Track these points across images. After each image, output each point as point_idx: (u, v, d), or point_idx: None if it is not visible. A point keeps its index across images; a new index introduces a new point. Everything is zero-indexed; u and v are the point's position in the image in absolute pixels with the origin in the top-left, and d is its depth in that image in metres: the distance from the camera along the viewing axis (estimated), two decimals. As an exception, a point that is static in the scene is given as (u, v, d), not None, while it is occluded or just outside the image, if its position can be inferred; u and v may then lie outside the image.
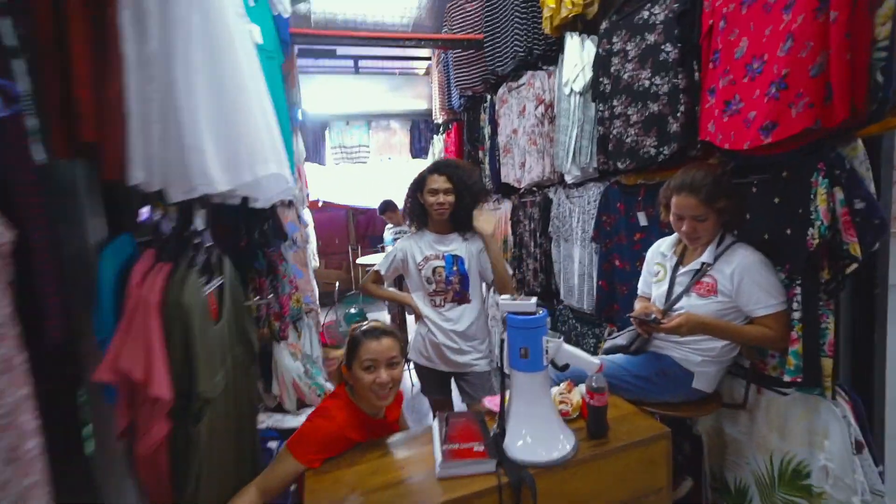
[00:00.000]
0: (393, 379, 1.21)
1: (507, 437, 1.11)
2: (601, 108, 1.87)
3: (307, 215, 4.22)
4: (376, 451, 1.20)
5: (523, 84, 2.58)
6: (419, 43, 2.72)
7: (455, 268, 1.81)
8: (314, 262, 4.26)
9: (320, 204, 6.37)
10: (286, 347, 1.95)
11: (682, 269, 1.43)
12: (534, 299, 1.10)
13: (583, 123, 2.01)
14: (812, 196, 1.12)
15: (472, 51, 3.01)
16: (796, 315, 1.19)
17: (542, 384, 1.10)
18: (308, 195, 3.76)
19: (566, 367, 1.15)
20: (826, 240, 1.09)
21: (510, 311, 1.10)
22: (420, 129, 4.73)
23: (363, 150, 4.55)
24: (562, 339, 1.10)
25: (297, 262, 2.32)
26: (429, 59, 4.31)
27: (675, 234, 1.49)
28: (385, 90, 4.31)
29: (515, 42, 2.48)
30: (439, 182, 1.73)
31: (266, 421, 1.71)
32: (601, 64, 1.86)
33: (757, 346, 1.36)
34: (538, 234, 2.63)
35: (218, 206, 1.51)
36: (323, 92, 4.16)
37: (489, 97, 3.05)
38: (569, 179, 2.21)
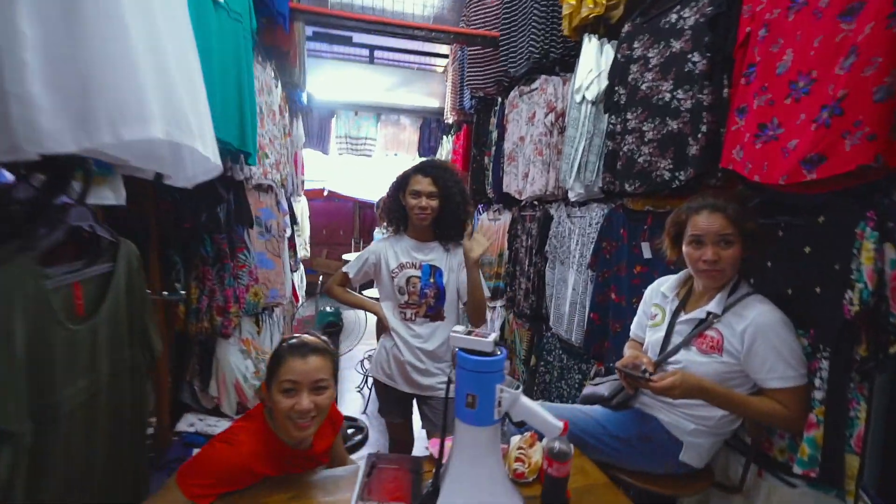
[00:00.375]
0: (317, 406, 1.01)
1: (440, 501, 0.90)
2: (613, 121, 1.66)
3: (303, 203, 4.07)
4: (287, 490, 1.00)
5: (536, 89, 2.37)
6: (429, 34, 2.53)
7: (432, 280, 1.63)
8: (305, 251, 4.10)
9: (325, 193, 6.23)
10: (236, 344, 1.76)
11: (683, 316, 1.21)
12: (493, 336, 0.89)
13: (592, 136, 1.79)
14: (855, 251, 0.90)
15: (487, 49, 2.81)
16: (818, 395, 0.96)
17: (490, 441, 0.89)
18: (303, 182, 3.60)
19: (522, 423, 0.93)
20: (868, 307, 0.86)
21: (461, 347, 0.89)
22: (431, 128, 4.55)
23: (369, 143, 4.38)
24: (520, 389, 0.89)
25: (269, 250, 2.14)
26: (447, 56, 4.13)
27: (681, 274, 1.27)
28: (398, 83, 4.14)
29: (531, 42, 2.28)
30: (423, 184, 1.57)
31: (196, 424, 1.52)
32: (618, 71, 1.64)
33: (764, 423, 1.13)
34: (534, 252, 2.41)
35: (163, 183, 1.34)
36: (334, 78, 4.00)
37: (500, 100, 2.85)
38: (571, 196, 2.00)
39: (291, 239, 3.21)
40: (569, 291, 2.07)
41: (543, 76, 2.29)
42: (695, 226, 1.13)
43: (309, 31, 3.93)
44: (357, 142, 4.36)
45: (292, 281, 2.88)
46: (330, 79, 3.99)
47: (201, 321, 1.42)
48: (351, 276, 1.66)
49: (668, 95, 1.44)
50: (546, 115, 2.24)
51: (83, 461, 0.77)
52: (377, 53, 4.34)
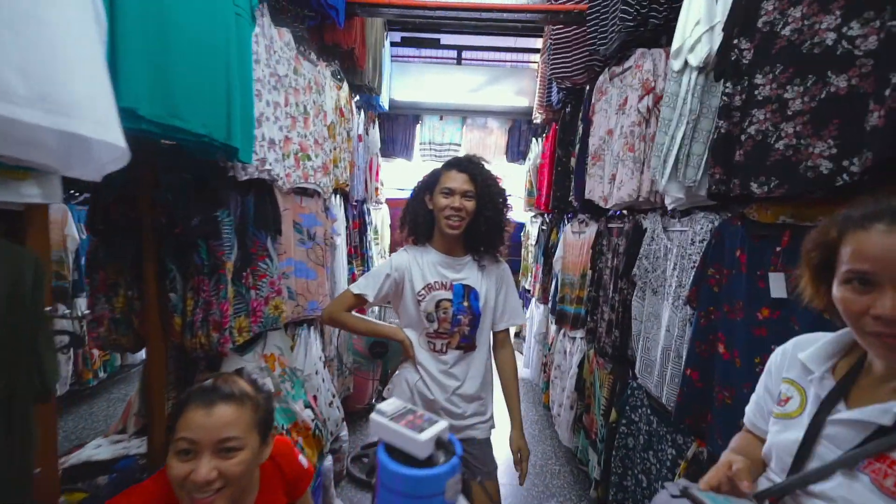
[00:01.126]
0: (222, 475, 0.75)
1: None
2: (729, 91, 1.11)
3: (384, 211, 4.01)
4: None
5: (629, 68, 1.86)
6: (495, 14, 2.18)
7: (466, 303, 1.37)
8: (377, 257, 4.02)
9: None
10: (254, 360, 1.62)
11: (842, 413, 0.66)
12: (435, 429, 0.52)
13: (697, 118, 1.26)
14: None
15: (572, 28, 2.35)
16: None
17: None
18: (377, 188, 3.51)
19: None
20: None
21: (385, 440, 0.54)
22: (521, 131, 4.16)
23: (453, 149, 4.16)
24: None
25: (311, 259, 2.00)
26: (539, 50, 3.71)
27: (840, 334, 0.73)
28: (486, 82, 3.85)
29: (624, 8, 1.78)
30: (458, 181, 1.32)
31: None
32: (741, 14, 1.10)
33: None
34: (619, 276, 1.88)
35: (160, 181, 1.23)
36: (419, 81, 3.88)
37: (588, 89, 2.36)
38: (668, 203, 1.46)
39: (359, 248, 3.12)
40: (661, 332, 1.52)
41: (640, 49, 1.78)
42: (859, 252, 0.60)
43: (396, 36, 3.89)
44: (441, 148, 4.17)
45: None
46: (415, 82, 3.88)
47: (196, 336, 1.28)
48: (370, 297, 1.37)
49: (831, 37, 0.89)
50: (641, 98, 1.72)
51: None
52: (465, 54, 4.12)
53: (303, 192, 1.97)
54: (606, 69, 2.08)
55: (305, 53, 1.90)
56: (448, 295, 1.35)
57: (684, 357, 1.31)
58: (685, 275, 1.38)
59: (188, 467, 0.73)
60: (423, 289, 1.35)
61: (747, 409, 0.86)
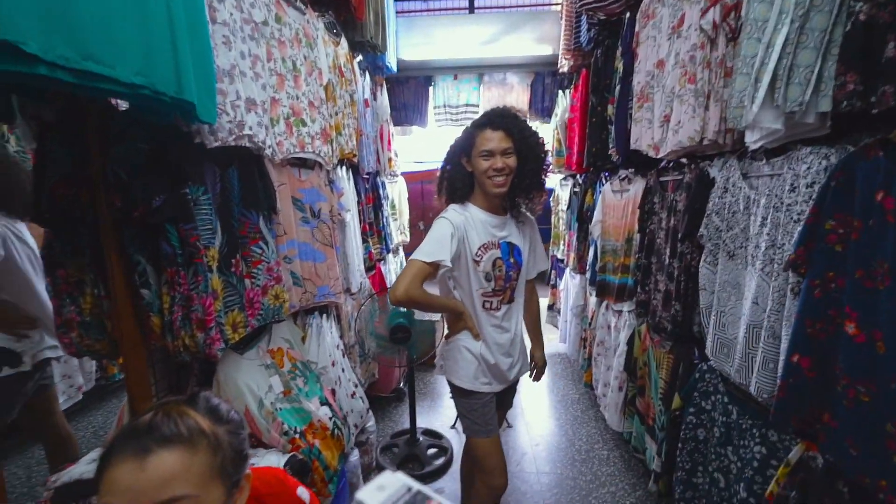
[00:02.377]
0: None
1: None
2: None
3: (400, 184, 3.72)
4: None
5: (687, -24, 1.48)
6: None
7: (512, 259, 1.41)
8: (404, 236, 3.78)
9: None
10: (257, 357, 1.42)
11: None
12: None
13: (806, 13, 0.91)
14: None
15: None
16: None
17: None
18: (391, 159, 3.23)
19: None
20: None
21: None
22: (544, 84, 3.74)
23: (470, 111, 3.80)
24: None
25: (317, 240, 1.77)
26: (563, -14, 3.25)
27: None
28: (503, 30, 3.43)
29: None
30: (495, 140, 1.29)
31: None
32: None
33: None
34: (679, 238, 1.56)
35: (111, 154, 1.00)
36: (428, 37, 3.50)
37: (629, 17, 1.97)
38: (752, 140, 1.12)
39: (375, 224, 2.87)
40: (745, 305, 1.22)
41: (700, -50, 1.40)
42: None
43: (400, -12, 3.50)
44: (457, 111, 3.82)
45: (364, 271, 2.52)
46: (424, 38, 3.50)
47: (178, 337, 1.08)
48: (447, 261, 1.25)
49: None
50: (704, 12, 1.36)
51: None
52: (478, 1, 3.69)
53: (301, 163, 1.72)
54: (654, -14, 1.69)
55: (291, -1, 1.61)
56: (499, 253, 1.37)
57: (788, 339, 1.00)
58: (781, 232, 1.06)
59: None
60: (480, 248, 1.35)
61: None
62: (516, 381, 1.53)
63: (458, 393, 1.43)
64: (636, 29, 1.83)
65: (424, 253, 1.25)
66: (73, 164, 0.99)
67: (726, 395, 1.35)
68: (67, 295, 1.08)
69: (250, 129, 1.25)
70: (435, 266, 1.25)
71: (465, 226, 1.33)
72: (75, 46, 0.65)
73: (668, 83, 1.57)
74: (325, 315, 1.85)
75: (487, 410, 1.41)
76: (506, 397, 1.56)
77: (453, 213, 1.35)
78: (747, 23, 1.03)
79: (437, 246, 1.26)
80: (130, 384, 1.11)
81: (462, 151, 1.37)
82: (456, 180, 1.39)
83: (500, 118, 1.31)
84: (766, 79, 0.94)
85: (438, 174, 1.46)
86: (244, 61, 1.26)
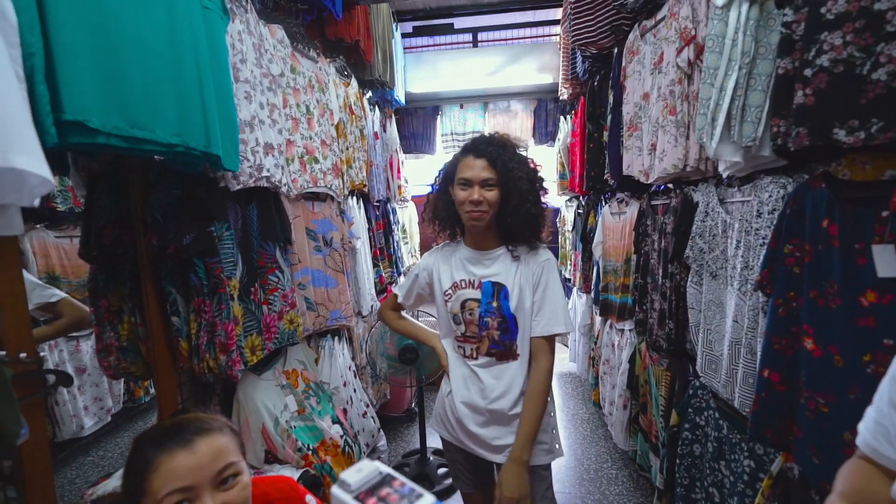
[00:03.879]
0: None
1: None
2: (790, 17, 0.87)
3: (410, 209, 3.88)
4: None
5: (663, 18, 1.61)
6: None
7: (495, 304, 1.18)
8: (416, 259, 3.90)
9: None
10: (273, 378, 1.54)
11: None
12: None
13: (752, 60, 1.01)
14: None
15: (593, -15, 2.10)
16: None
17: None
18: (400, 186, 3.39)
19: None
20: None
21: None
22: (547, 111, 3.89)
23: (476, 137, 3.96)
24: None
25: (329, 267, 1.91)
26: (559, 21, 3.43)
27: None
28: (505, 62, 3.61)
29: (652, -52, 1.53)
30: (476, 168, 1.14)
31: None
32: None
33: None
34: (669, 259, 1.64)
35: (149, 200, 1.15)
36: (435, 71, 3.70)
37: (617, 52, 2.10)
38: (722, 169, 1.22)
39: (386, 249, 3.01)
40: (727, 323, 1.29)
41: (674, -5, 1.53)
42: None
43: (408, 27, 3.73)
44: (464, 138, 3.98)
45: (375, 294, 2.64)
46: (431, 72, 3.71)
47: (203, 360, 1.20)
48: (400, 299, 1.37)
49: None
50: (679, 51, 1.48)
51: None
52: (481, 36, 3.89)
53: (314, 196, 1.87)
54: (636, 25, 1.83)
55: (304, 50, 1.79)
56: (475, 294, 1.19)
57: (759, 355, 1.07)
58: (752, 254, 1.14)
59: None
60: (450, 288, 1.23)
61: (862, 427, 0.64)
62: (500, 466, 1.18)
63: None
64: (623, 64, 1.95)
65: (398, 286, 1.41)
66: (117, 208, 1.15)
67: (717, 410, 1.40)
68: (108, 322, 1.23)
69: (268, 170, 1.40)
70: (396, 297, 1.38)
71: (438, 264, 1.27)
72: (125, 118, 0.80)
73: (653, 114, 1.68)
74: (336, 338, 1.97)
75: (457, 464, 1.31)
76: (490, 476, 1.33)
77: (432, 252, 1.32)
78: (703, 70, 1.14)
79: (403, 283, 1.39)
80: (161, 402, 1.23)
81: (448, 178, 1.24)
82: (439, 210, 1.27)
83: (486, 145, 1.16)
84: (721, 118, 1.05)
85: (424, 203, 1.34)
86: (263, 111, 1.42)
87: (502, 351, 1.19)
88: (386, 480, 0.42)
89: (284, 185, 1.53)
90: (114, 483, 1.37)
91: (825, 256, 0.88)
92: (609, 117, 2.16)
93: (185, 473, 0.65)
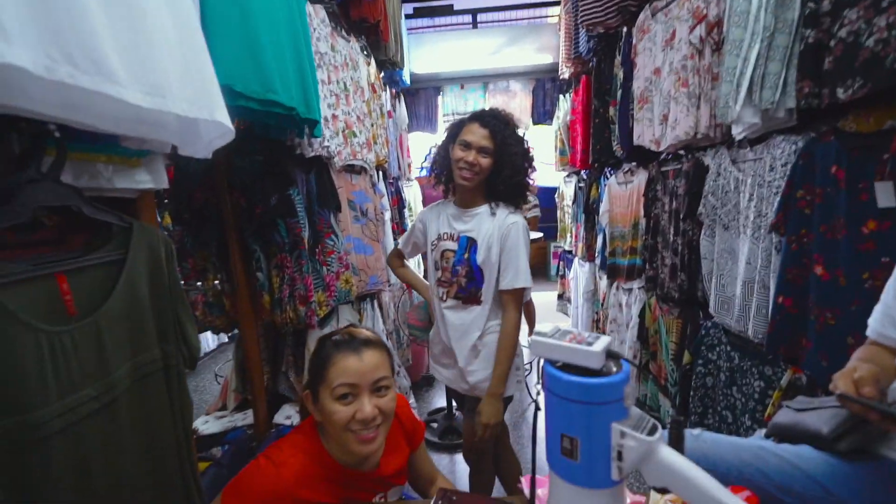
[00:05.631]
0: (381, 411, 0.83)
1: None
2: (814, -3, 1.04)
3: (415, 188, 4.00)
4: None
5: (675, 0, 1.77)
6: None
7: (466, 255, 1.38)
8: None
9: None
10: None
11: None
12: (602, 341, 0.53)
13: (773, 33, 1.19)
14: None
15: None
16: None
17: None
18: (410, 165, 3.50)
19: (665, 490, 0.56)
20: None
21: (548, 358, 0.55)
22: (545, 90, 4.04)
23: (478, 117, 4.09)
24: (658, 434, 0.51)
25: (366, 235, 2.03)
26: (559, 2, 3.57)
27: None
28: (505, 43, 3.73)
29: (667, -67, 1.68)
30: (477, 135, 1.30)
31: (293, 417, 1.47)
32: None
33: None
34: (681, 218, 1.84)
35: (235, 165, 1.26)
36: (436, 51, 3.80)
37: (626, 30, 2.26)
38: (737, 132, 1.40)
39: (400, 224, 3.13)
40: (740, 266, 1.49)
41: (686, -23, 1.69)
42: None
43: (409, 7, 3.80)
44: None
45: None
46: (432, 53, 3.80)
47: (285, 311, 1.33)
48: (401, 247, 1.60)
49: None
50: (692, 29, 1.65)
51: (105, 474, 0.66)
52: (480, 17, 4.00)
53: (351, 169, 1.98)
54: (648, 5, 1.98)
55: (338, 30, 1.88)
56: (453, 246, 1.39)
57: (773, 286, 1.28)
58: (765, 203, 1.33)
59: (352, 409, 0.80)
60: (436, 238, 1.44)
61: (871, 321, 0.84)
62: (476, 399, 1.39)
63: None
64: (633, 42, 2.11)
65: (401, 238, 1.63)
66: (205, 174, 1.25)
67: (728, 344, 1.61)
68: (194, 280, 1.34)
69: (327, 141, 1.52)
70: (399, 249, 1.60)
71: (430, 216, 1.47)
72: (261, 83, 0.91)
73: (665, 87, 1.86)
74: (373, 302, 2.11)
75: (454, 395, 1.53)
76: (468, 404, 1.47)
77: (430, 206, 1.51)
78: (727, 42, 1.31)
79: (405, 235, 1.59)
80: (247, 352, 1.36)
81: (451, 137, 1.38)
82: (440, 165, 1.43)
83: (492, 118, 1.31)
84: (745, 84, 1.22)
85: (433, 157, 1.51)
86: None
87: (467, 296, 1.39)
88: (567, 332, 0.57)
89: (334, 155, 1.65)
90: (198, 427, 1.50)
91: (833, 197, 1.08)
92: (619, 92, 2.33)
93: (353, 374, 0.81)
